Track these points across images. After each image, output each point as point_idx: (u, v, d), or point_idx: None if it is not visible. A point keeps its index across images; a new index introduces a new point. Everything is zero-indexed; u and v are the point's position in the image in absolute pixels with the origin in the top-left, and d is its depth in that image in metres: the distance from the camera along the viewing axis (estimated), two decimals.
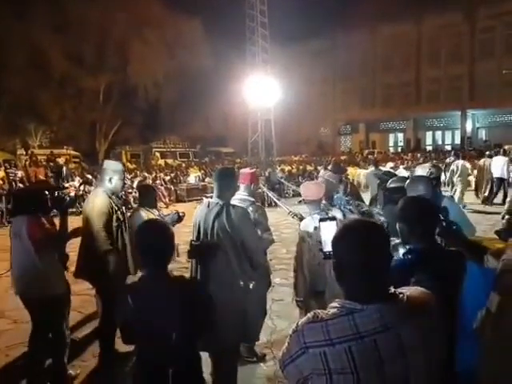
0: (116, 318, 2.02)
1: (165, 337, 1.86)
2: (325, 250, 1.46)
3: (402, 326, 1.19)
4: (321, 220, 1.47)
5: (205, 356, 3.17)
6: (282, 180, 16.72)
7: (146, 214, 3.87)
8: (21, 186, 13.87)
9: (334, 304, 1.26)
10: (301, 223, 3.50)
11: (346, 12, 30.50)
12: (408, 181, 3.33)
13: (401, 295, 1.25)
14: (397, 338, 1.18)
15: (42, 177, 15.78)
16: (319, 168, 16.95)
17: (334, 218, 1.48)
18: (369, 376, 1.16)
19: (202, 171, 21.88)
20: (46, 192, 3.29)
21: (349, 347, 1.16)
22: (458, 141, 31.53)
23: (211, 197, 3.10)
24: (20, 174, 16.38)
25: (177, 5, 27.72)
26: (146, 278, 1.98)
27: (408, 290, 1.28)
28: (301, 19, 28.42)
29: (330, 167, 6.00)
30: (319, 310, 1.26)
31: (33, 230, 3.13)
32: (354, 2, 30.66)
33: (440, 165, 10.50)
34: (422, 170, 3.83)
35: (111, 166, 3.61)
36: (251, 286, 2.84)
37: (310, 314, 1.26)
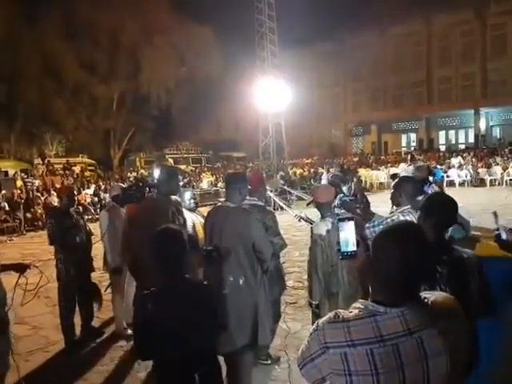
0: (134, 326, 2.03)
1: (188, 341, 1.89)
2: (342, 250, 1.43)
3: (425, 331, 1.19)
4: (339, 220, 1.45)
5: (220, 358, 3.22)
6: (285, 187, 16.63)
7: (188, 215, 3.98)
8: (38, 194, 14.15)
9: (357, 305, 1.25)
10: (313, 226, 3.51)
11: (354, 13, 30.40)
12: (395, 181, 3.38)
13: (425, 300, 1.24)
14: (419, 342, 1.18)
15: (58, 185, 16.06)
16: (331, 170, 16.90)
17: (351, 218, 1.45)
18: (389, 379, 1.16)
19: (215, 176, 22.01)
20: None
21: (370, 350, 1.15)
22: (471, 139, 31.07)
23: (222, 201, 3.15)
24: (37, 182, 16.72)
25: (187, 12, 28.03)
26: (165, 285, 1.99)
27: (432, 295, 1.28)
28: (309, 22, 28.36)
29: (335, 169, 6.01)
30: (341, 310, 1.25)
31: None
32: (363, 3, 30.59)
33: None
34: (406, 173, 3.84)
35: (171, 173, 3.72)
36: (241, 281, 2.85)
37: (331, 314, 1.25)
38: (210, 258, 2.90)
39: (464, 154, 23.29)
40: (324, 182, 4.53)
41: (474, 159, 21.75)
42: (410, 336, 1.17)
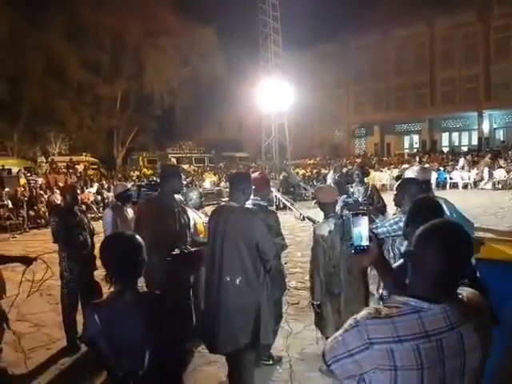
0: (83, 337, 1.96)
1: (137, 353, 1.79)
2: (355, 244, 1.44)
3: (464, 326, 1.23)
4: (353, 214, 1.46)
5: (222, 359, 3.23)
6: (301, 183, 16.74)
7: (192, 214, 3.98)
8: (41, 192, 14.18)
9: (394, 301, 1.28)
10: (316, 226, 3.52)
11: (357, 15, 30.34)
12: (398, 182, 3.39)
13: (460, 296, 1.28)
14: (459, 337, 1.22)
15: (61, 183, 16.11)
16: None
17: (365, 213, 1.46)
18: (432, 372, 1.20)
19: (217, 176, 22.02)
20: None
21: (416, 345, 1.18)
22: (475, 142, 30.99)
23: (226, 201, 3.16)
24: (40, 180, 16.76)
25: (191, 13, 28.05)
26: (114, 295, 1.87)
27: (464, 292, 1.31)
28: (312, 24, 28.36)
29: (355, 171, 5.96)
30: (379, 306, 1.28)
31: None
32: (366, 4, 30.54)
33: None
34: (411, 173, 3.84)
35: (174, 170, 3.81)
36: (238, 281, 2.85)
37: (370, 310, 1.26)
38: (176, 261, 2.89)
39: (467, 156, 23.16)
40: (329, 182, 4.55)
41: (489, 160, 21.09)
42: (451, 331, 1.21)
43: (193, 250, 3.38)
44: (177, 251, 3.03)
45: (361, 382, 1.26)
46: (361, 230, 1.44)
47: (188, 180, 19.57)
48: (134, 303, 1.81)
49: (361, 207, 3.72)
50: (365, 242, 1.44)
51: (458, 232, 1.29)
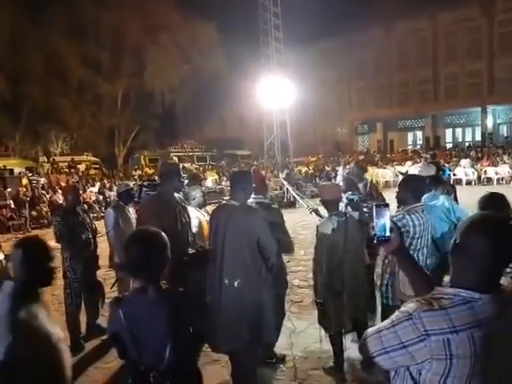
0: (107, 332, 1.95)
1: (158, 350, 1.80)
2: (378, 234, 1.51)
3: (507, 315, 1.27)
4: (376, 206, 1.53)
5: (226, 358, 3.22)
6: (300, 181, 16.72)
7: (194, 213, 3.94)
8: (43, 192, 14.20)
9: (441, 292, 1.30)
10: (319, 224, 3.49)
11: (359, 10, 30.19)
12: (401, 179, 3.36)
13: (502, 286, 1.33)
14: (503, 325, 1.27)
15: (63, 183, 16.11)
16: (337, 168, 16.85)
17: (387, 205, 1.53)
18: (482, 359, 1.24)
19: (219, 175, 21.99)
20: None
21: (471, 334, 1.23)
22: (478, 137, 30.81)
23: (227, 200, 3.14)
24: (42, 180, 16.78)
25: (191, 10, 27.97)
26: (138, 291, 1.89)
27: (504, 281, 1.35)
28: (314, 19, 28.20)
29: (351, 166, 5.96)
30: (428, 298, 1.29)
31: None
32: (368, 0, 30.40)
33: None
34: (414, 169, 3.84)
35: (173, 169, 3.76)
36: (236, 283, 2.82)
37: (422, 301, 1.28)
38: (193, 260, 2.88)
39: (471, 152, 22.97)
40: (339, 178, 4.53)
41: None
42: (497, 320, 1.26)
43: (206, 248, 3.37)
44: (192, 250, 3.01)
45: (404, 372, 1.30)
46: (384, 220, 1.51)
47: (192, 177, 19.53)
48: (156, 299, 1.84)
49: (364, 205, 3.69)
50: (387, 233, 1.51)
51: (506, 223, 1.32)
